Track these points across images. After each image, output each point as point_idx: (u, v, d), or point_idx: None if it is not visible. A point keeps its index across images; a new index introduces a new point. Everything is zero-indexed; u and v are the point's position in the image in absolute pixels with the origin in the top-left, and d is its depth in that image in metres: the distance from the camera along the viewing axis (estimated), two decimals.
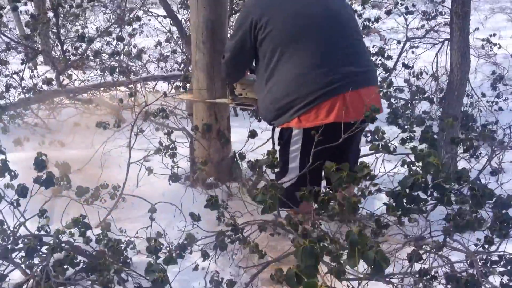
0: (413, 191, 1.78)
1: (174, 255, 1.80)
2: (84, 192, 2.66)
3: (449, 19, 3.58)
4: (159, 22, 5.51)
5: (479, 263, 1.88)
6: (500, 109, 4.96)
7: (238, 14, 5.01)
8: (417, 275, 1.90)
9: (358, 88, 2.52)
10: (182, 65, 5.85)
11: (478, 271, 1.76)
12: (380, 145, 2.28)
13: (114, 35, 5.30)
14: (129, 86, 4.82)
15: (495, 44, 5.90)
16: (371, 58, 2.92)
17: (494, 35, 6.32)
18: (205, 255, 2.44)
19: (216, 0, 3.16)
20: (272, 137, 2.85)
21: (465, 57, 3.38)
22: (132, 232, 2.82)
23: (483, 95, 5.05)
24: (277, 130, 2.75)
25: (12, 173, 2.13)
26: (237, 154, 3.49)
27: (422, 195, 1.85)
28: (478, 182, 2.18)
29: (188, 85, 4.50)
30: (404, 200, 1.77)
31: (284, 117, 2.62)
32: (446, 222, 1.98)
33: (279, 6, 2.62)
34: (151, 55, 6.33)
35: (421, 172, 1.79)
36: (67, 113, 4.72)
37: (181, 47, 5.63)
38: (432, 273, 1.92)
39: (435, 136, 2.21)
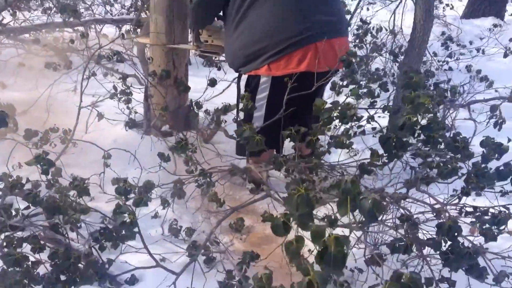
0: (404, 132, 1.75)
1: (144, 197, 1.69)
2: (33, 135, 2.49)
3: None
4: None
5: (448, 214, 1.89)
6: (450, 68, 5.04)
7: None
8: (398, 222, 1.90)
9: (330, 38, 2.44)
10: (131, 9, 5.56)
11: (446, 221, 1.77)
12: (361, 91, 2.24)
13: None
14: (76, 28, 4.53)
15: (447, 5, 5.99)
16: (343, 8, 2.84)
17: None
18: (164, 203, 2.34)
19: None
20: (238, 85, 2.74)
21: (429, 14, 3.36)
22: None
23: (435, 54, 5.11)
24: (244, 77, 2.64)
25: None
26: (193, 103, 3.38)
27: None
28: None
29: (139, 30, 4.29)
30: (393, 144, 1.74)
31: (253, 64, 2.51)
32: (429, 170, 1.97)
33: None
34: None
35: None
36: (8, 54, 4.39)
37: None
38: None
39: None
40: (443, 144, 2.11)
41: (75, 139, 2.90)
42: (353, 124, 2.27)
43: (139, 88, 3.31)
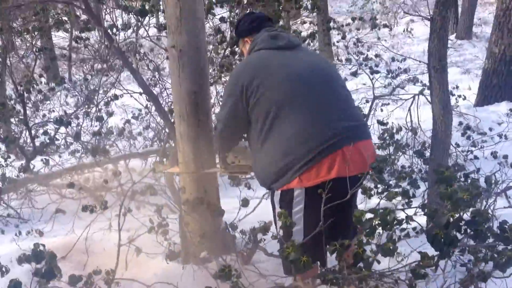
0: (450, 229, 1.73)
1: None
2: (77, 281, 2.47)
3: (427, 74, 3.65)
4: (135, 99, 5.42)
5: None
6: (476, 157, 5.03)
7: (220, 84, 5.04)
8: None
9: (355, 142, 2.49)
10: (157, 140, 5.76)
11: None
12: (399, 191, 2.24)
13: (91, 115, 5.23)
14: (104, 166, 4.69)
15: (459, 96, 6.12)
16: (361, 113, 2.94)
17: (457, 87, 6.58)
18: None
19: (198, 72, 3.15)
20: (272, 201, 2.75)
21: (447, 109, 3.44)
22: None
23: (457, 145, 5.13)
24: (277, 193, 2.66)
25: (4, 269, 1.95)
26: (228, 225, 3.38)
27: None
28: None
29: (164, 160, 4.41)
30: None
31: (284, 179, 2.54)
32: (484, 263, 1.92)
33: (269, 69, 2.61)
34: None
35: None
36: (42, 201, 4.50)
37: (157, 122, 5.57)
38: None
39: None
40: (490, 236, 2.06)
41: (118, 278, 2.88)
42: (395, 228, 2.24)
43: (174, 218, 3.33)
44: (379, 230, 2.10)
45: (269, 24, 2.89)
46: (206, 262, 3.25)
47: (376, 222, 2.04)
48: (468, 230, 1.95)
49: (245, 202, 3.32)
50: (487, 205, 3.45)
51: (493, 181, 3.18)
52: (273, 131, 2.57)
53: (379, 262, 2.20)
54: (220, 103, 2.80)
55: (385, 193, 2.38)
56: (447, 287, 2.27)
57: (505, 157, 4.60)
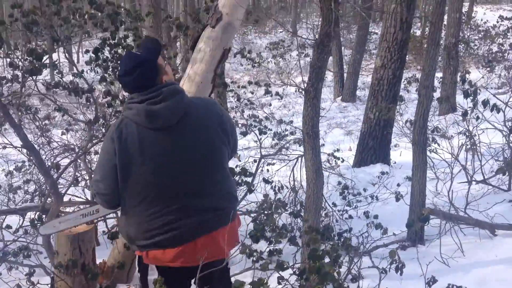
0: None
1: None
2: None
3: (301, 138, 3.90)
4: (19, 151, 5.14)
5: None
6: (350, 217, 5.36)
7: None
8: None
9: (210, 232, 2.56)
10: (37, 196, 5.53)
11: None
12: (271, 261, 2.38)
13: None
14: None
15: (338, 158, 6.53)
16: (234, 186, 2.90)
17: (338, 150, 7.02)
18: None
19: None
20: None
21: (319, 173, 3.70)
22: None
23: (334, 204, 5.44)
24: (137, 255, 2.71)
25: None
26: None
27: None
28: None
29: (44, 216, 4.26)
30: None
31: (135, 247, 2.62)
32: None
33: (139, 152, 2.50)
34: None
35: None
36: None
37: (37, 177, 5.36)
38: None
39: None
40: None
41: None
42: None
43: (47, 284, 3.22)
44: None
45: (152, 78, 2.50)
46: None
47: None
48: None
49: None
50: (354, 264, 3.69)
51: (349, 247, 3.44)
52: (131, 210, 2.56)
53: None
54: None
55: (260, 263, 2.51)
56: None
57: (375, 217, 4.93)
